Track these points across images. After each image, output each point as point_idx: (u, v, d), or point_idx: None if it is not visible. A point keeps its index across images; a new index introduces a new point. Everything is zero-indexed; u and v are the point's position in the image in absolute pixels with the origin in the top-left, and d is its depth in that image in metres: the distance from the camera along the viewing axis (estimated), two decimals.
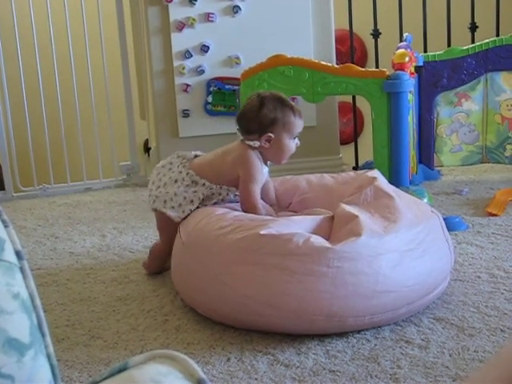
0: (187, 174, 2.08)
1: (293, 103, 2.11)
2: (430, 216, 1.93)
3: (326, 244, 1.69)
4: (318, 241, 1.70)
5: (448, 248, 1.90)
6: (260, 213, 2.00)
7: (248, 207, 2.01)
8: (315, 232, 1.78)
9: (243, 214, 1.94)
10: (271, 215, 2.04)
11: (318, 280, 1.65)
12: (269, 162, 2.12)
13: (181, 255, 1.93)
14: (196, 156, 2.16)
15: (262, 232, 1.72)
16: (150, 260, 2.26)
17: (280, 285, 1.67)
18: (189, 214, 2.03)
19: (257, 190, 2.03)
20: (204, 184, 2.06)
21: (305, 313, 1.66)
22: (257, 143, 2.03)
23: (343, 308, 1.66)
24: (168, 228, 2.09)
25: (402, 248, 1.74)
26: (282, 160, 2.09)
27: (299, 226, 1.78)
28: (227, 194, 2.09)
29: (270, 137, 2.02)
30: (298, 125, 2.06)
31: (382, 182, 2.04)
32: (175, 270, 1.98)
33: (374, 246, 1.70)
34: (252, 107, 2.05)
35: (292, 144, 2.07)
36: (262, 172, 2.06)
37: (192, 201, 2.05)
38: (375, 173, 2.12)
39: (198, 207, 2.05)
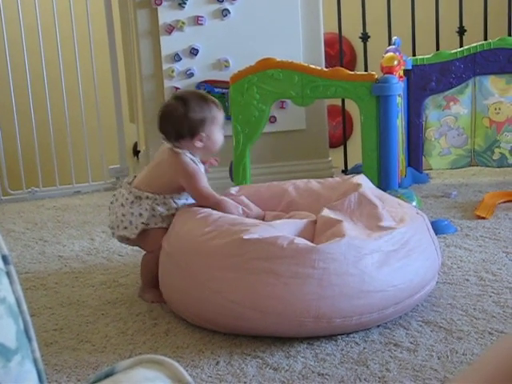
0: (129, 192, 2.07)
1: (210, 96, 2.13)
2: (416, 217, 1.94)
3: (311, 245, 1.70)
4: (302, 242, 1.70)
5: (434, 248, 1.91)
6: (219, 199, 2.02)
7: (207, 203, 2.02)
8: (298, 235, 1.78)
9: (222, 216, 1.92)
10: (250, 211, 2.06)
11: (304, 282, 1.65)
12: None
13: (166, 265, 1.92)
14: (135, 176, 2.17)
15: (246, 237, 1.72)
16: (145, 278, 2.13)
17: (266, 288, 1.67)
18: (144, 229, 2.03)
19: (204, 184, 2.03)
20: (147, 197, 2.05)
21: (292, 315, 1.66)
22: (186, 152, 2.04)
23: (330, 309, 1.66)
24: (146, 246, 2.08)
25: (386, 248, 1.75)
26: (214, 152, 2.13)
27: (281, 230, 1.78)
28: (174, 202, 2.07)
29: (202, 136, 2.04)
30: (222, 116, 2.10)
31: (367, 188, 2.05)
32: (162, 280, 1.97)
33: (359, 247, 1.71)
34: (177, 112, 2.03)
35: (221, 135, 2.10)
36: (201, 170, 2.07)
37: (140, 214, 2.04)
38: (361, 178, 2.13)
39: (149, 224, 2.04)
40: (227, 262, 1.72)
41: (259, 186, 2.26)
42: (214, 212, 1.94)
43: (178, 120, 2.03)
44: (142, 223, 2.03)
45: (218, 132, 2.08)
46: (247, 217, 2.03)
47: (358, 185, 2.04)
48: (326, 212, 1.90)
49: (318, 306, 1.65)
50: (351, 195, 1.98)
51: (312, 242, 1.76)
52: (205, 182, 2.05)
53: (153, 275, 2.04)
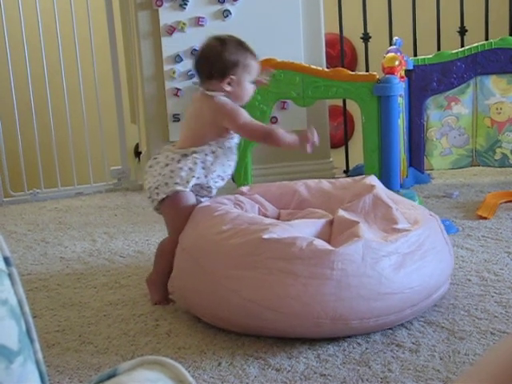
0: (174, 153, 2.02)
1: (251, 46, 2.10)
2: (429, 219, 1.95)
3: (329, 247, 1.70)
4: (321, 244, 1.70)
5: (448, 250, 1.92)
6: (269, 129, 2.00)
7: (258, 135, 2.00)
8: (315, 236, 1.78)
9: (241, 214, 1.91)
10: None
11: (322, 283, 1.65)
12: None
13: (181, 261, 1.90)
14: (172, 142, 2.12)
15: (265, 236, 1.72)
16: (161, 261, 2.05)
17: (284, 288, 1.66)
18: (196, 184, 1.98)
19: (248, 119, 2.00)
20: (195, 151, 2.00)
21: (309, 316, 1.66)
22: (219, 93, 2.00)
23: (348, 310, 1.66)
24: (180, 218, 1.97)
25: (403, 250, 1.75)
26: (242, 101, 2.07)
27: (300, 231, 1.78)
28: (220, 147, 2.02)
29: (232, 79, 2.01)
30: (257, 68, 2.08)
31: (381, 189, 2.04)
32: (176, 277, 1.94)
33: (376, 249, 1.71)
34: (213, 50, 2.02)
35: (252, 86, 2.07)
36: (241, 110, 2.02)
37: (191, 168, 1.98)
38: (373, 180, 2.12)
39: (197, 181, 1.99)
40: (245, 261, 1.72)
41: (269, 185, 2.24)
42: (233, 210, 1.93)
43: (212, 58, 2.01)
44: (194, 177, 1.97)
45: (248, 81, 2.04)
46: (264, 215, 2.02)
47: (372, 186, 2.03)
48: (341, 213, 1.90)
49: (336, 307, 1.65)
50: (366, 196, 1.97)
51: (329, 242, 1.76)
52: (248, 116, 2.01)
53: (168, 265, 1.96)
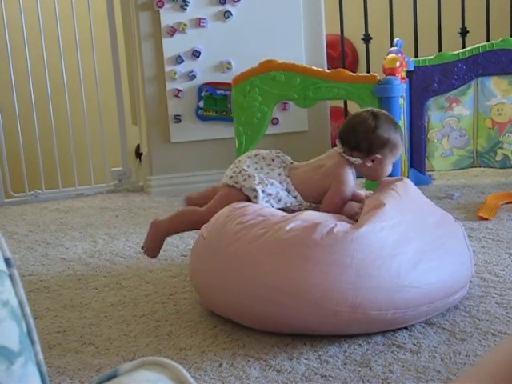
0: (285, 179, 2.00)
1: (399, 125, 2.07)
2: (453, 223, 1.98)
3: (349, 233, 1.69)
4: (342, 230, 1.70)
5: (469, 255, 1.92)
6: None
7: (329, 211, 1.96)
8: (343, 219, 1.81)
9: (262, 207, 1.91)
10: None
11: (343, 271, 1.66)
12: None
13: (201, 250, 1.91)
14: (292, 163, 2.10)
15: (288, 227, 1.73)
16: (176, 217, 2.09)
17: (304, 275, 1.67)
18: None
19: (341, 205, 1.98)
20: (296, 197, 1.99)
21: (329, 303, 1.66)
22: (358, 160, 1.97)
23: (367, 300, 1.66)
24: (226, 204, 1.96)
25: (422, 247, 1.77)
26: (376, 179, 2.06)
27: (324, 217, 1.81)
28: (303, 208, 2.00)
29: (377, 158, 1.97)
30: (401, 150, 2.05)
31: (411, 184, 2.05)
32: (194, 267, 1.95)
33: (396, 241, 1.72)
34: (366, 125, 1.97)
35: (390, 168, 2.03)
36: (352, 189, 2.00)
37: (279, 200, 1.97)
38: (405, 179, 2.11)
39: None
40: (265, 247, 1.72)
41: None
42: (255, 205, 1.92)
43: (364, 133, 1.97)
44: (272, 206, 1.94)
45: (390, 163, 2.01)
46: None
47: (402, 178, 2.05)
48: (372, 195, 1.92)
49: (355, 295, 1.66)
50: (396, 183, 1.95)
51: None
52: (344, 202, 1.98)
53: (180, 223, 2.07)
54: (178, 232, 2.16)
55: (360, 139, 1.97)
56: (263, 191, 1.95)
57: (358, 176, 2.06)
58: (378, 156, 1.97)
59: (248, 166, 2.03)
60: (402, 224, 1.79)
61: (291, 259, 1.69)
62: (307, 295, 1.67)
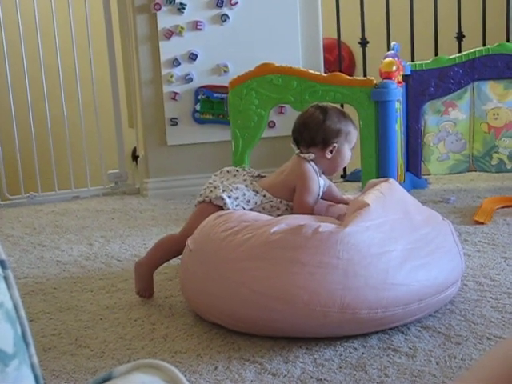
0: (251, 183, 2.11)
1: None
2: (441, 222, 1.98)
3: (334, 234, 1.69)
4: (327, 230, 1.70)
5: (458, 252, 1.92)
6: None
7: (302, 213, 2.02)
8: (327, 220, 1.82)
9: (246, 212, 1.94)
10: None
11: (329, 272, 1.66)
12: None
13: (188, 263, 1.91)
14: (259, 175, 2.20)
15: (272, 230, 1.73)
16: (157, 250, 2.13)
17: (291, 278, 1.66)
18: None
19: (311, 202, 2.06)
20: (265, 195, 2.08)
21: (317, 305, 1.65)
22: (311, 155, 2.06)
23: (355, 300, 1.66)
24: (201, 220, 2.00)
25: (410, 245, 1.77)
26: (336, 170, 2.18)
27: (309, 219, 1.82)
28: (286, 210, 2.08)
29: (334, 147, 2.06)
30: (356, 136, 2.14)
31: (397, 184, 2.07)
32: (183, 279, 1.95)
33: (382, 239, 1.72)
34: (316, 118, 2.07)
35: (349, 154, 2.12)
36: (318, 184, 2.08)
37: (249, 201, 2.06)
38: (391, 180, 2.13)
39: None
40: (251, 252, 1.72)
41: None
42: (237, 210, 1.98)
43: (316, 126, 2.06)
44: (243, 208, 2.03)
45: (348, 149, 2.10)
46: None
47: (388, 179, 2.06)
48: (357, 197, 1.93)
49: (344, 295, 1.65)
50: (381, 184, 1.97)
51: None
52: (314, 200, 2.07)
53: (161, 257, 2.09)
54: (162, 263, 2.13)
55: (313, 133, 2.06)
56: (229, 197, 2.05)
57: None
58: (334, 145, 2.06)
59: (214, 181, 2.15)
60: (388, 223, 1.79)
61: (277, 263, 1.69)
62: (295, 298, 1.67)
